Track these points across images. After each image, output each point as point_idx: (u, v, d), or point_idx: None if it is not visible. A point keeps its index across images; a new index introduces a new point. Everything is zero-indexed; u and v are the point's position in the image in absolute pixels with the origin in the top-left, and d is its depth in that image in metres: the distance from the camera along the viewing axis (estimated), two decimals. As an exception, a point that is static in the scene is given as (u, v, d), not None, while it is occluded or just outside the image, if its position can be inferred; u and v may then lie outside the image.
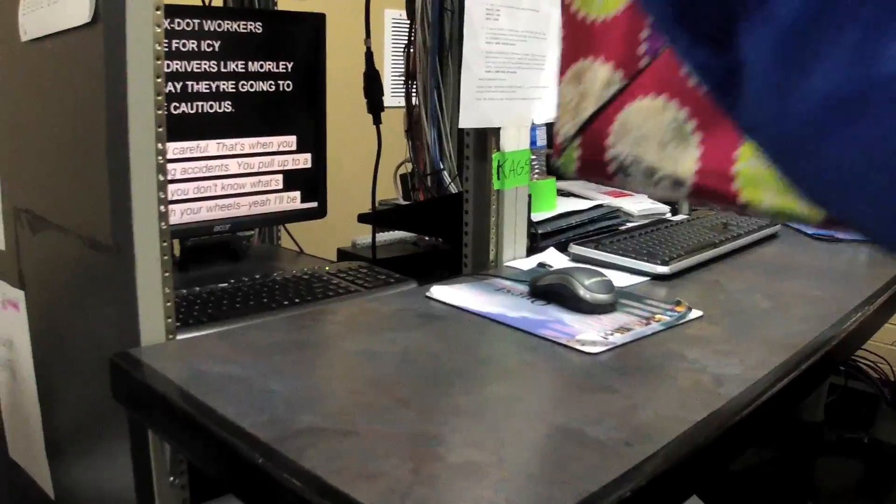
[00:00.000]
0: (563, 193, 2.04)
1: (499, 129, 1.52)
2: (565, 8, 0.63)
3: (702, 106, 0.47)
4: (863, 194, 0.35)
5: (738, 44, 0.38)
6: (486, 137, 1.53)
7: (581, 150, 0.62)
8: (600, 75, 0.60)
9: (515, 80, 1.53)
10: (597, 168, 0.62)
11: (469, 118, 1.46)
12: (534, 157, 1.74)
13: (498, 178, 1.53)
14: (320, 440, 0.82)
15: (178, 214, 1.52)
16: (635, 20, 0.54)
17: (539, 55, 1.57)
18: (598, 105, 0.60)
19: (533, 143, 1.68)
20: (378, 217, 1.87)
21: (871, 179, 0.34)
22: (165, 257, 1.08)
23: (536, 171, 1.85)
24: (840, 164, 0.35)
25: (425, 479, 0.75)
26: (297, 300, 1.37)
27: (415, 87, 1.90)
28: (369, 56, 1.77)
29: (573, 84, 0.62)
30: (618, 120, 0.60)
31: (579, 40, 0.62)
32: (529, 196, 1.63)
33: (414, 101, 1.91)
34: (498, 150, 1.52)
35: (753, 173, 0.51)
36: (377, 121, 1.78)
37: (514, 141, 1.55)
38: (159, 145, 1.06)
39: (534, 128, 1.67)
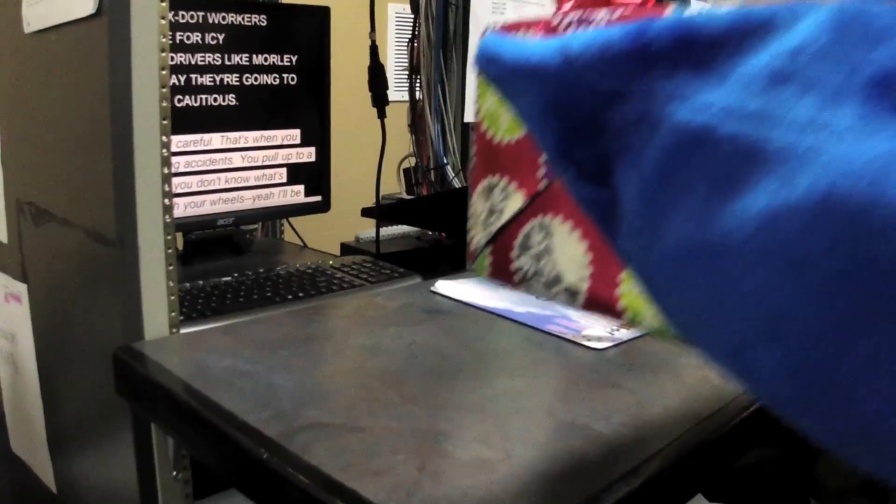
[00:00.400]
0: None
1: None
2: (477, 125, 0.66)
3: (593, 228, 0.49)
4: (707, 339, 0.37)
5: (615, 182, 0.41)
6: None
7: (491, 258, 0.66)
8: (505, 193, 0.64)
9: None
10: (505, 276, 0.66)
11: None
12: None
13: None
14: (326, 435, 0.81)
15: (181, 208, 1.51)
16: (536, 146, 0.55)
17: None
18: (503, 221, 0.64)
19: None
20: (382, 211, 1.86)
21: (713, 326, 0.36)
22: (169, 251, 1.08)
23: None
24: (687, 308, 0.38)
25: (432, 474, 0.74)
26: (300, 294, 1.37)
27: (418, 81, 1.89)
28: (374, 49, 1.76)
29: (483, 198, 0.66)
30: (520, 235, 0.64)
31: (488, 158, 0.65)
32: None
33: (417, 95, 1.90)
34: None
35: (636, 294, 0.54)
36: (381, 114, 1.77)
37: (520, 135, 1.54)
38: (164, 138, 1.06)
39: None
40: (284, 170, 1.69)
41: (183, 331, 1.11)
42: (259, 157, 1.64)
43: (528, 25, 0.61)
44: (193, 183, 1.54)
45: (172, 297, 1.09)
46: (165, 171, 1.06)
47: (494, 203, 0.66)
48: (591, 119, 0.41)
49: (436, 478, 0.73)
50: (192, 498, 1.09)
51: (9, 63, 1.30)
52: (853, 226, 0.28)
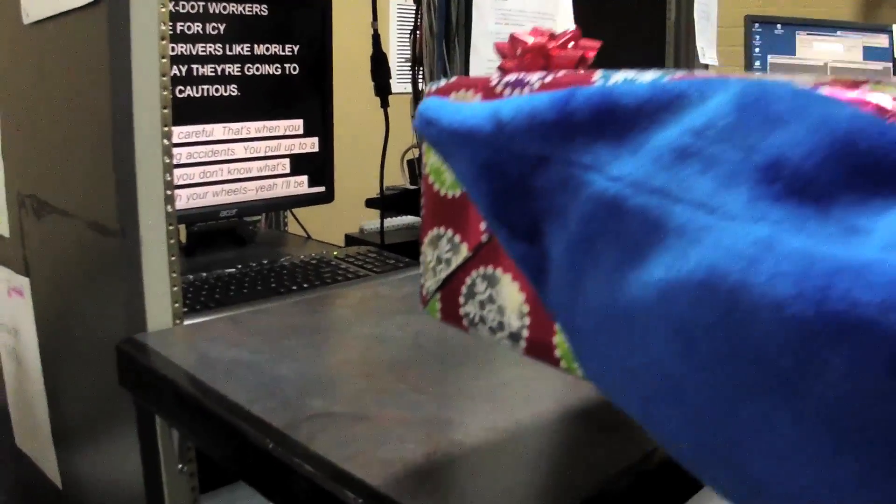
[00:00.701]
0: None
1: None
2: (424, 178, 0.68)
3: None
4: (619, 393, 0.40)
5: (544, 240, 0.44)
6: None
7: (441, 304, 0.69)
8: (451, 244, 0.67)
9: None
10: (455, 320, 0.68)
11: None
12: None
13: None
14: (332, 425, 0.80)
15: (183, 199, 1.50)
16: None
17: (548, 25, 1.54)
18: (450, 271, 0.67)
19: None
20: (386, 202, 1.85)
21: (624, 382, 0.39)
22: (172, 241, 1.07)
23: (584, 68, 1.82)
24: (602, 363, 0.40)
25: (441, 463, 0.73)
26: (305, 285, 1.36)
27: (421, 72, 1.88)
28: (376, 38, 1.75)
29: (432, 247, 0.69)
30: (466, 283, 0.66)
31: (435, 210, 0.68)
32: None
33: (421, 86, 1.89)
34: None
35: (568, 347, 0.55)
36: (385, 103, 1.76)
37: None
38: (165, 127, 1.05)
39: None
40: (287, 160, 1.67)
41: (186, 322, 1.10)
42: (261, 147, 1.62)
43: (468, 85, 0.63)
44: (195, 174, 1.53)
45: (175, 288, 1.08)
46: (167, 160, 1.05)
47: (441, 253, 0.68)
48: (520, 182, 0.43)
49: (445, 466, 0.72)
50: (198, 491, 1.08)
51: (8, 55, 1.29)
52: (728, 307, 0.30)
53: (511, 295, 0.64)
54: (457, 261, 0.67)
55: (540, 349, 0.62)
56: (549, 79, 0.58)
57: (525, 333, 0.63)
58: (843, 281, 0.27)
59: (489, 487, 0.69)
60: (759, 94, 0.35)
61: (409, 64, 1.83)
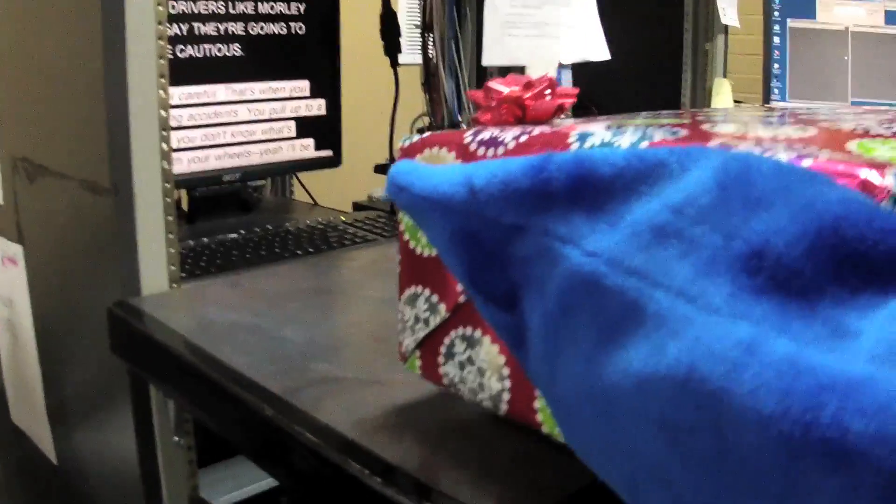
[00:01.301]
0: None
1: (524, 69, 1.43)
2: (400, 234, 0.69)
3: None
4: (605, 469, 0.39)
5: (522, 309, 0.43)
6: (511, 78, 1.44)
7: (420, 362, 0.68)
8: (429, 304, 0.66)
9: (542, 16, 1.44)
10: (435, 378, 0.67)
11: (493, 55, 1.38)
12: (560, 101, 1.65)
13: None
14: (339, 390, 0.74)
15: (184, 163, 1.44)
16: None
17: (566, -10, 1.48)
18: (428, 330, 0.66)
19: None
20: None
21: (610, 460, 0.38)
22: (168, 200, 1.01)
23: (563, 115, 1.76)
24: (586, 438, 0.39)
25: (456, 430, 0.67)
26: (311, 249, 1.30)
27: (431, 38, 1.81)
28: (385, -4, 1.69)
29: (409, 305, 0.68)
30: (445, 343, 0.65)
31: (411, 269, 0.68)
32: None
33: (431, 53, 1.83)
34: (524, 91, 1.43)
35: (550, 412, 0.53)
36: (395, 63, 1.69)
37: (541, 81, 1.46)
38: (161, 78, 0.98)
39: (559, 70, 1.58)
40: (293, 123, 1.61)
41: (184, 287, 1.04)
42: (266, 109, 1.56)
43: (442, 142, 0.63)
44: (197, 137, 1.46)
45: (172, 250, 1.02)
46: (163, 113, 0.99)
47: (419, 312, 0.67)
48: (495, 250, 0.43)
49: (460, 433, 0.67)
50: (195, 465, 1.02)
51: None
52: (711, 414, 0.29)
53: (491, 357, 0.62)
54: (435, 321, 0.66)
55: (521, 413, 0.61)
56: (524, 138, 0.57)
57: (506, 397, 0.62)
58: (831, 401, 0.26)
59: (509, 456, 0.64)
60: (741, 171, 0.34)
61: (420, 31, 1.77)
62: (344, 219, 1.51)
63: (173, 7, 1.39)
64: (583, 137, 0.54)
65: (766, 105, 0.81)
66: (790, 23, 2.59)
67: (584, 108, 1.82)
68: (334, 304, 1.01)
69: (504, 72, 1.46)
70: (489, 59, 1.37)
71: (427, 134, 0.65)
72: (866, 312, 0.30)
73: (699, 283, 0.32)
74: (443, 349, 0.66)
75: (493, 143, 0.59)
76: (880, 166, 0.41)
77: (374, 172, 1.77)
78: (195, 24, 1.44)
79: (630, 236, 0.35)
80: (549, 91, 0.67)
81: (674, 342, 0.31)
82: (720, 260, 0.32)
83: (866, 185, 0.40)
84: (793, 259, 0.31)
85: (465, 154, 0.61)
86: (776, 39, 2.57)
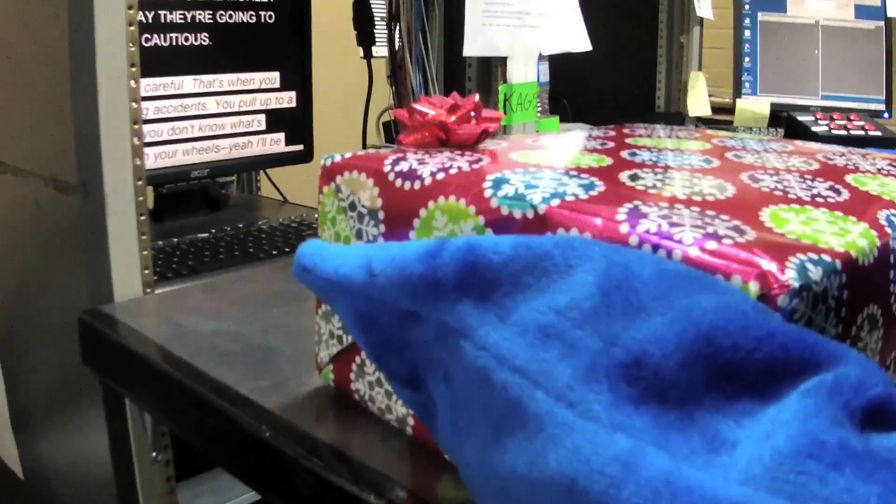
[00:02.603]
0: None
1: (505, 59, 1.38)
2: None
3: None
4: None
5: (428, 387, 0.45)
6: (491, 69, 1.40)
7: (333, 375, 0.69)
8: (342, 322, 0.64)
9: (523, 5, 1.39)
10: (347, 391, 0.68)
11: (474, 46, 1.32)
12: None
13: (504, 113, 1.39)
14: (336, 405, 0.69)
15: (151, 158, 1.37)
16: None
17: (547, -21, 1.43)
18: (340, 348, 0.67)
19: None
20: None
21: None
22: (140, 198, 0.95)
23: (539, 108, 1.72)
24: None
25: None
26: (286, 249, 1.25)
27: (397, 29, 1.76)
28: (358, -17, 1.63)
29: (325, 320, 0.68)
30: (356, 362, 0.66)
31: None
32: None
33: (397, 45, 1.78)
34: (504, 82, 1.38)
35: None
36: (368, 54, 1.63)
37: (522, 72, 1.41)
38: (132, 68, 0.92)
39: (538, 61, 1.53)
40: (263, 116, 1.55)
41: (157, 291, 0.98)
42: (235, 102, 1.50)
43: (360, 167, 0.62)
44: (164, 131, 1.40)
45: (145, 252, 0.96)
46: (134, 105, 0.93)
47: (333, 328, 0.67)
48: (396, 333, 0.44)
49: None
50: (174, 480, 0.96)
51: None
52: None
53: None
54: (347, 340, 0.66)
55: (426, 437, 0.61)
56: (440, 176, 0.57)
57: (410, 422, 0.63)
58: None
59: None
60: (623, 278, 0.36)
61: (385, 22, 1.72)
62: (317, 216, 1.45)
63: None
64: (497, 184, 0.54)
65: (706, 133, 0.78)
66: (761, 16, 2.56)
67: (555, 101, 1.78)
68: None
69: (484, 62, 1.41)
70: (470, 50, 1.32)
71: (348, 154, 0.65)
72: (743, 421, 0.31)
73: (579, 389, 0.33)
74: (354, 367, 0.66)
75: (411, 175, 0.59)
76: (782, 254, 0.42)
77: (346, 167, 1.71)
78: (161, 12, 1.37)
79: (517, 334, 0.36)
80: (473, 114, 0.67)
81: (555, 450, 0.32)
82: (600, 366, 0.33)
83: (765, 279, 0.40)
84: (670, 369, 0.32)
85: (384, 183, 0.61)
86: (747, 33, 2.54)
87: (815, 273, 0.42)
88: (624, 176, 0.57)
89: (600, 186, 0.53)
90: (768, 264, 0.41)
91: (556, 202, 0.50)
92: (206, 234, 1.32)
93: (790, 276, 0.40)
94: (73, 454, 1.12)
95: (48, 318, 1.09)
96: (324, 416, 0.67)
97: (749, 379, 0.32)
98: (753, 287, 0.40)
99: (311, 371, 0.73)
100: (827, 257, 0.43)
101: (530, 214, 0.50)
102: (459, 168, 0.58)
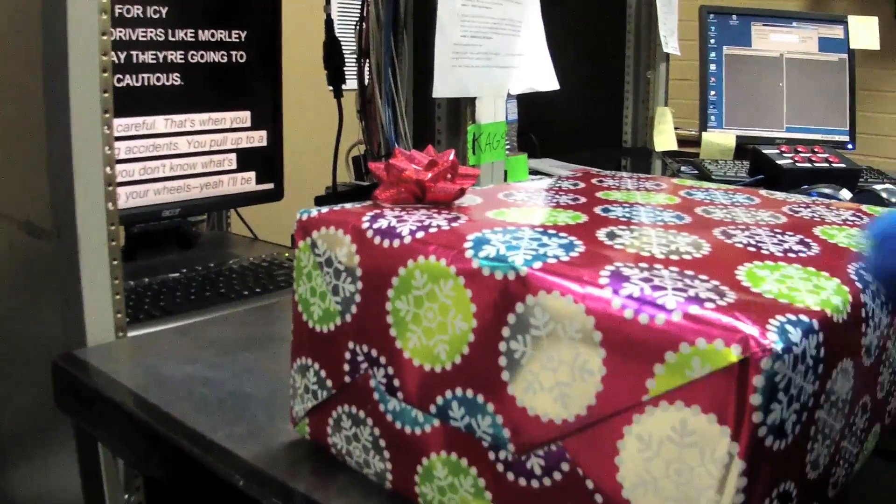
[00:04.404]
0: (532, 172, 1.93)
1: (474, 99, 1.39)
2: (294, 305, 0.68)
3: (389, 425, 0.61)
4: None
5: None
6: (460, 109, 1.41)
7: (310, 429, 0.69)
8: (318, 378, 0.66)
9: (492, 46, 1.40)
10: (324, 444, 0.67)
11: (444, 87, 1.33)
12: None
13: (473, 153, 1.40)
14: (314, 454, 0.69)
15: (122, 198, 1.37)
16: (341, 340, 0.63)
17: (516, 20, 1.45)
18: (315, 403, 0.67)
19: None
20: (339, 199, 1.73)
21: None
22: (113, 242, 0.95)
23: (507, 146, 1.73)
24: None
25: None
26: (258, 290, 1.25)
27: (367, 65, 1.77)
28: (329, 24, 1.64)
29: (300, 375, 0.68)
30: (332, 417, 0.66)
31: (302, 340, 0.67)
32: (505, 172, 1.51)
33: (367, 80, 1.79)
34: (473, 122, 1.39)
35: (433, 492, 0.59)
36: (338, 94, 1.65)
37: (491, 112, 1.43)
38: (106, 114, 0.93)
39: (507, 99, 1.55)
40: (234, 155, 1.55)
41: (130, 334, 0.98)
42: (206, 141, 1.50)
43: (338, 223, 0.62)
44: (135, 171, 1.40)
45: (118, 296, 0.96)
46: (108, 150, 0.94)
47: (309, 383, 0.67)
48: None
49: None
50: (147, 523, 0.96)
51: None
52: None
53: (372, 438, 0.63)
54: (322, 395, 0.66)
55: (405, 490, 0.61)
56: (420, 234, 0.58)
57: (389, 476, 0.62)
58: None
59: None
60: None
61: (355, 57, 1.73)
62: (288, 255, 1.46)
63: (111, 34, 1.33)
64: (478, 244, 0.54)
65: (672, 183, 0.81)
66: (726, 50, 2.60)
67: (524, 137, 1.80)
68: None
69: (453, 101, 1.42)
70: (440, 90, 1.33)
71: (325, 209, 0.65)
72: None
73: None
74: (331, 421, 0.66)
75: (390, 233, 0.59)
76: (762, 317, 0.42)
77: (315, 205, 1.72)
78: (133, 53, 1.38)
79: None
80: (450, 172, 0.68)
81: None
82: None
83: (747, 343, 0.41)
84: None
85: (361, 240, 0.60)
86: (712, 66, 2.58)
87: (795, 335, 0.42)
88: (601, 234, 0.58)
89: (580, 247, 0.54)
90: (750, 328, 0.41)
91: (538, 264, 0.50)
92: (178, 275, 1.32)
93: (772, 340, 0.41)
94: (46, 493, 1.11)
95: (22, 359, 1.08)
96: (300, 466, 0.68)
97: None
98: (735, 351, 0.41)
99: (285, 417, 0.74)
100: (805, 317, 0.44)
101: (511, 276, 0.50)
102: (439, 227, 0.59)
